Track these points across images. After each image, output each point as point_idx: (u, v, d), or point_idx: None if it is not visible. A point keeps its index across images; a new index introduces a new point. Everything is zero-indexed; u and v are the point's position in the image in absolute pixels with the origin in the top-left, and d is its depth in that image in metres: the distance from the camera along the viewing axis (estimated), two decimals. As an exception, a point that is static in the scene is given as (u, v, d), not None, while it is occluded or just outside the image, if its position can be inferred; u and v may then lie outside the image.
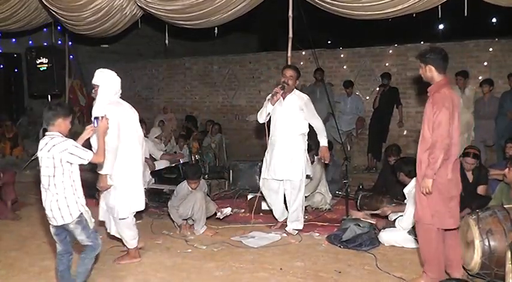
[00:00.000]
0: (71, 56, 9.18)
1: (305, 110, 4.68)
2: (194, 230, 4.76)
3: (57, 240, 3.27)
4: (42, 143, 3.10)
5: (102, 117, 3.32)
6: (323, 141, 4.79)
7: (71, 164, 3.10)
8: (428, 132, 3.26)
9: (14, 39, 9.74)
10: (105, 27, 6.96)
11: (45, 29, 9.43)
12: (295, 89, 4.74)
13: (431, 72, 3.32)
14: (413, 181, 4.01)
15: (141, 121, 6.77)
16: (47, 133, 3.15)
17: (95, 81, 3.90)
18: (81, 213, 3.16)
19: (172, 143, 8.74)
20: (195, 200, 4.65)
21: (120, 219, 3.90)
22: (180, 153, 7.80)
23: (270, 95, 4.67)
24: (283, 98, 4.68)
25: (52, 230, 3.25)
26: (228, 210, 4.99)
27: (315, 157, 5.64)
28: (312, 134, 4.86)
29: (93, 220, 3.25)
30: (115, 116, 3.65)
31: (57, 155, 3.04)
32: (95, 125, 3.30)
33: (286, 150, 4.66)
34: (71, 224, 3.13)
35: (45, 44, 9.43)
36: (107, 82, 3.88)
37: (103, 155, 3.28)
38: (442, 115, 3.17)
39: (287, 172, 4.68)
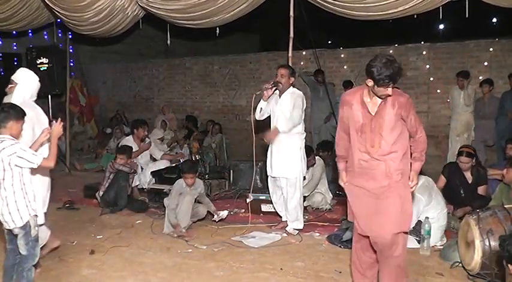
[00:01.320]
0: (71, 61, 9.16)
1: (294, 104, 4.63)
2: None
3: (7, 239, 3.24)
4: None
5: (56, 121, 3.25)
6: (280, 125, 4.57)
7: (21, 167, 3.05)
8: (402, 137, 3.06)
9: (14, 40, 9.73)
10: (108, 28, 6.96)
11: (45, 34, 9.43)
12: (291, 87, 4.75)
13: None
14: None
15: (143, 122, 6.82)
16: None
17: (14, 77, 3.83)
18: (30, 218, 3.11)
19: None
20: (182, 203, 4.70)
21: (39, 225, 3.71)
22: (180, 153, 7.80)
23: (260, 90, 4.70)
24: (280, 96, 4.72)
25: (5, 230, 3.21)
26: (224, 213, 4.99)
27: (316, 158, 5.65)
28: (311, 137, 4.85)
29: (36, 228, 3.15)
30: (30, 119, 3.51)
31: (6, 158, 2.99)
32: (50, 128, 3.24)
33: (282, 148, 4.70)
34: (16, 227, 3.09)
35: (46, 40, 9.43)
36: (26, 82, 3.82)
37: (54, 159, 3.20)
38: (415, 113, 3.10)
39: (282, 170, 4.71)
